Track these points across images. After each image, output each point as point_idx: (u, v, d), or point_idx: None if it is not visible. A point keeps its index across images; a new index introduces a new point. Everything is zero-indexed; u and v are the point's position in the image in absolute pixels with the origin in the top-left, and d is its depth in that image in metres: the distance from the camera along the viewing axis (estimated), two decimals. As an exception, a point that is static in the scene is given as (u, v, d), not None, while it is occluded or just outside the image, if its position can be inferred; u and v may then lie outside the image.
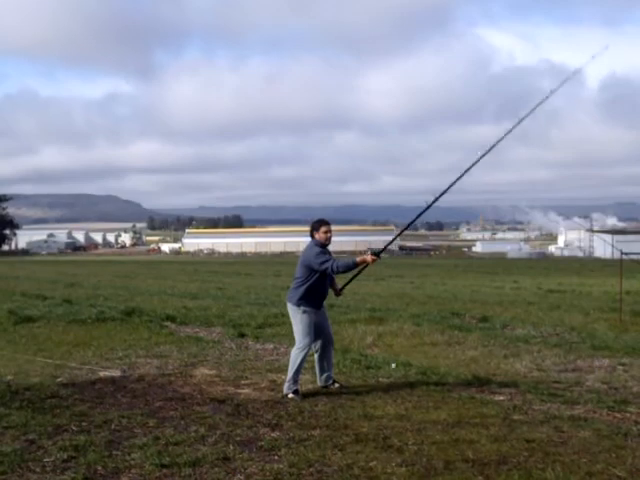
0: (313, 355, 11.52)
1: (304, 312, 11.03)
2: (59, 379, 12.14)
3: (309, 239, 11.22)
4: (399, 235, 13.25)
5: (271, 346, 15.82)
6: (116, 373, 12.71)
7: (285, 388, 10.98)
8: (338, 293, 11.85)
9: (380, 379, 12.12)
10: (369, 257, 10.75)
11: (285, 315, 20.06)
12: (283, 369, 12.21)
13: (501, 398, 10.75)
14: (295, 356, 11.03)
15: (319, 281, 11.04)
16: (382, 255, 11.12)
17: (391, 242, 13.21)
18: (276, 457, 7.85)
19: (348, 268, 10.81)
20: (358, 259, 10.81)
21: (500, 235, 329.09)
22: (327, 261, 10.80)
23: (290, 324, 11.39)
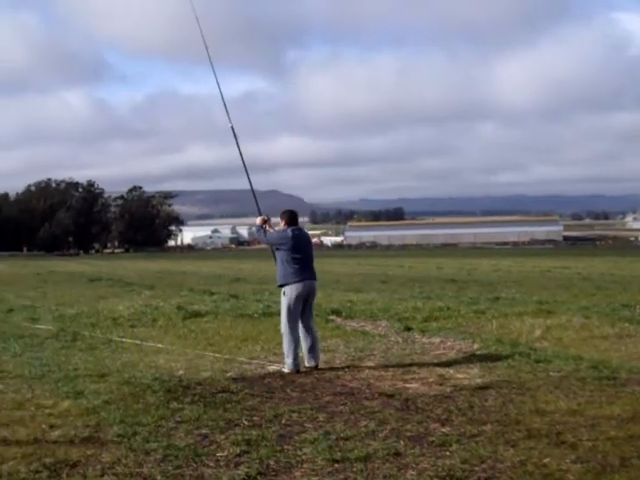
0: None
1: None
2: (229, 374, 12.33)
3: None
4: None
5: (438, 340, 15.65)
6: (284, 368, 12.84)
7: None
8: None
9: (550, 373, 11.84)
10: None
11: (451, 309, 20.03)
12: (451, 363, 12.11)
13: (678, 393, 10.38)
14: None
15: None
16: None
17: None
18: (447, 453, 7.77)
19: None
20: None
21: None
22: None
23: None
